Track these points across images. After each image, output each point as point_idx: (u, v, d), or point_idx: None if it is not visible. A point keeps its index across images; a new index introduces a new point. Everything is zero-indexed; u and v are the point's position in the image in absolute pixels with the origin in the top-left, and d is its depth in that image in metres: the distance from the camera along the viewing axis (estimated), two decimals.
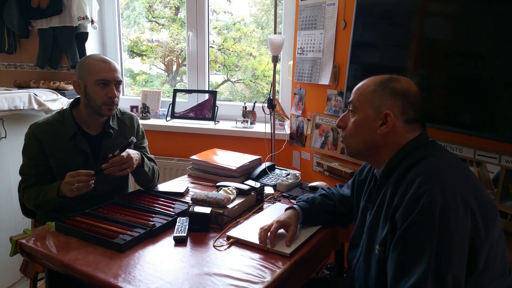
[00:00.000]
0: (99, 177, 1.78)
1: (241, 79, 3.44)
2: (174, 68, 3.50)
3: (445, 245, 0.99)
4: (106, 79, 1.72)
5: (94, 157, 1.80)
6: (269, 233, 1.41)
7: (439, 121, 1.61)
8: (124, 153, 1.67)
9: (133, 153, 1.75)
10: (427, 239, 1.00)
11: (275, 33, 2.47)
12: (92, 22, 2.87)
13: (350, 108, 1.27)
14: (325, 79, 2.24)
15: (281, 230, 1.47)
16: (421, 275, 0.98)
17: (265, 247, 1.39)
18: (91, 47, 3.07)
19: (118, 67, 1.80)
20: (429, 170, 1.08)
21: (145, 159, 1.84)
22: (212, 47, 3.31)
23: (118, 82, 1.77)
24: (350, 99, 1.28)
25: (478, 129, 1.49)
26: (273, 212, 1.68)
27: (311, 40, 2.31)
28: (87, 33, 2.95)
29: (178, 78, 3.46)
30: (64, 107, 2.12)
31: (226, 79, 3.48)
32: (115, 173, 1.67)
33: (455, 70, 1.55)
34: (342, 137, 1.32)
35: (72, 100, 1.88)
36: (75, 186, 1.58)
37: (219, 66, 3.44)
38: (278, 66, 2.82)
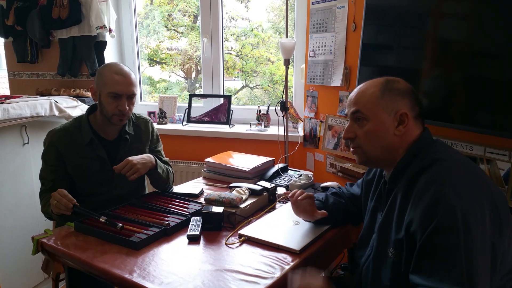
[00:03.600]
0: (115, 183, 1.85)
1: (259, 85, 3.47)
2: (194, 75, 3.57)
3: (471, 249, 0.99)
4: (118, 93, 1.74)
5: (111, 162, 1.84)
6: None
7: (451, 120, 1.62)
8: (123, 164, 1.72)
9: (139, 157, 1.77)
10: (454, 244, 0.99)
11: (286, 37, 2.51)
12: (110, 31, 2.96)
13: (358, 117, 1.24)
14: (337, 81, 2.27)
15: (294, 228, 1.52)
16: (458, 280, 0.98)
17: (275, 243, 1.42)
18: (110, 55, 3.16)
19: (134, 80, 1.80)
20: (443, 175, 1.08)
21: (159, 161, 1.88)
22: (230, 54, 3.36)
23: (131, 96, 1.79)
24: (355, 108, 1.25)
25: (489, 127, 1.49)
26: (285, 212, 1.71)
27: (322, 43, 2.34)
28: (106, 41, 3.05)
29: (197, 85, 3.52)
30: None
31: (244, 85, 3.53)
32: (129, 177, 1.72)
33: (467, 70, 1.56)
34: (355, 147, 1.28)
35: (89, 106, 1.93)
36: (55, 203, 1.59)
37: (238, 72, 3.49)
38: (292, 69, 2.86)
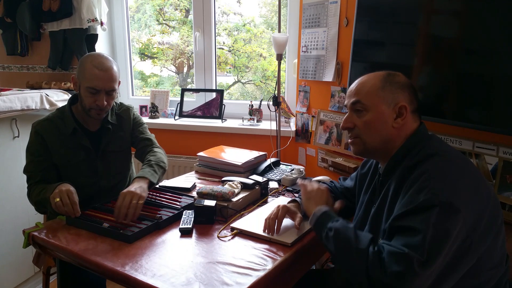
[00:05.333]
0: (101, 173, 1.84)
1: (251, 80, 3.47)
2: (185, 69, 3.55)
3: (442, 237, 1.02)
4: (96, 88, 1.70)
5: (96, 152, 1.84)
6: (276, 221, 1.46)
7: (441, 115, 1.64)
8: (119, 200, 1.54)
9: (131, 188, 1.59)
10: (425, 224, 1.02)
11: (279, 31, 2.51)
12: (102, 24, 2.94)
13: (358, 108, 1.26)
14: (329, 76, 2.28)
15: (286, 221, 1.52)
16: (419, 251, 1.01)
17: (267, 236, 1.43)
18: (101, 48, 3.14)
19: (115, 74, 1.75)
20: (434, 170, 1.10)
21: (150, 172, 1.73)
22: (223, 49, 3.35)
23: (110, 91, 1.74)
24: (355, 99, 1.26)
25: (478, 122, 1.52)
26: (276, 206, 1.72)
27: (314, 38, 2.35)
28: (97, 34, 3.02)
29: (188, 80, 3.51)
30: None
31: (236, 80, 3.52)
32: (135, 216, 1.54)
33: (457, 66, 1.58)
34: (353, 137, 1.30)
35: (70, 97, 1.90)
36: (58, 200, 1.53)
37: (230, 68, 3.48)
38: (284, 65, 2.86)
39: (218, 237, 1.47)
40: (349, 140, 1.32)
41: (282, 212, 1.48)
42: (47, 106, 2.45)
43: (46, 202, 1.64)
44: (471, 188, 1.09)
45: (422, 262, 0.99)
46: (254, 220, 1.57)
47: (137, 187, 1.59)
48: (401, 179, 1.18)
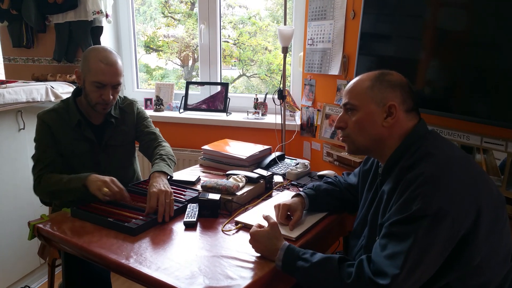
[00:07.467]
0: (104, 166, 1.84)
1: (256, 74, 3.45)
2: (190, 63, 3.54)
3: (427, 247, 1.03)
4: (103, 83, 1.70)
5: (99, 144, 1.85)
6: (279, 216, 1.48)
7: (448, 109, 1.62)
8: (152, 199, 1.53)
9: (156, 185, 1.59)
10: (413, 236, 1.03)
11: (285, 24, 2.49)
12: (107, 16, 2.93)
13: (348, 107, 1.27)
14: (335, 69, 2.26)
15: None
16: (399, 265, 1.02)
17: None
18: (106, 41, 3.13)
19: (120, 68, 1.75)
20: (428, 172, 1.08)
21: (165, 167, 1.74)
22: (228, 42, 3.33)
23: (116, 85, 1.75)
24: (346, 100, 1.27)
25: (486, 117, 1.50)
26: (281, 200, 1.71)
27: (321, 30, 2.33)
28: (102, 27, 3.01)
29: (194, 73, 3.50)
30: None
31: (241, 73, 3.50)
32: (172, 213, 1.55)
33: (465, 60, 1.56)
34: (344, 137, 1.30)
35: (74, 89, 1.89)
36: (104, 190, 1.57)
37: (235, 61, 3.46)
38: (290, 58, 2.84)
39: (223, 230, 1.47)
40: (341, 139, 1.33)
41: (283, 211, 1.49)
42: (52, 98, 2.45)
43: (67, 193, 1.67)
44: (467, 188, 1.07)
45: (402, 278, 1.01)
46: (259, 214, 1.56)
47: (163, 184, 1.60)
48: (398, 179, 1.16)
